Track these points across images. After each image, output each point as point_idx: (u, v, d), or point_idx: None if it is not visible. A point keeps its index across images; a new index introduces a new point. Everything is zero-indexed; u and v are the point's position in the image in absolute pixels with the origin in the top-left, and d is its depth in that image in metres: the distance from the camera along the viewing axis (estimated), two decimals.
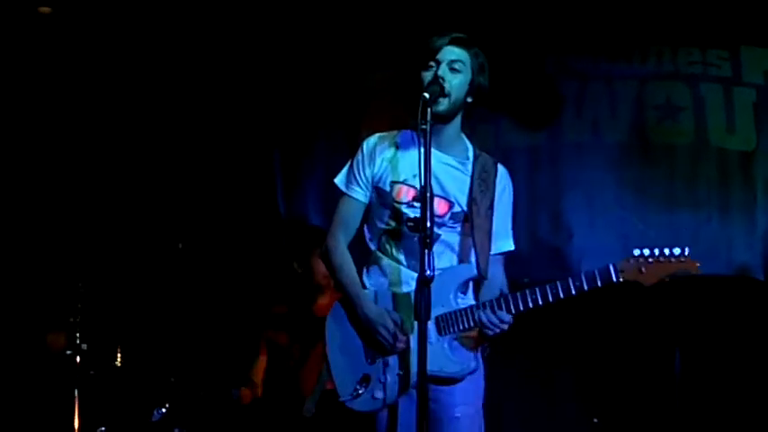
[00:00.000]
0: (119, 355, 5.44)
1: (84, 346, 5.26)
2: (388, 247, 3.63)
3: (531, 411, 6.11)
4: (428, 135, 3.27)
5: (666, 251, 3.38)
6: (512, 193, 3.77)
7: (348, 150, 6.17)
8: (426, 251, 3.18)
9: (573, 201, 6.06)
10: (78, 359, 5.24)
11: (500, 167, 3.73)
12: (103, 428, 5.22)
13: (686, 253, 3.37)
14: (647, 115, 6.05)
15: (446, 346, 3.51)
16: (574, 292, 3.41)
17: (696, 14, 5.91)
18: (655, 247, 3.39)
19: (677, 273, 3.38)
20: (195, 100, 6.27)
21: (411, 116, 3.49)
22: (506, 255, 3.75)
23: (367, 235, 3.71)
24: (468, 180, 3.63)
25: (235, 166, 6.31)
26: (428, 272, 3.18)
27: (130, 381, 5.53)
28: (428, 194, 3.24)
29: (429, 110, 3.30)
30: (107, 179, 6.31)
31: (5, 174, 6.22)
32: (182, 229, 6.11)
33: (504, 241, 3.72)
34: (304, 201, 6.29)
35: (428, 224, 3.21)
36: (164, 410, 5.20)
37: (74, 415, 5.18)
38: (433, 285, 3.35)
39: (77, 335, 5.26)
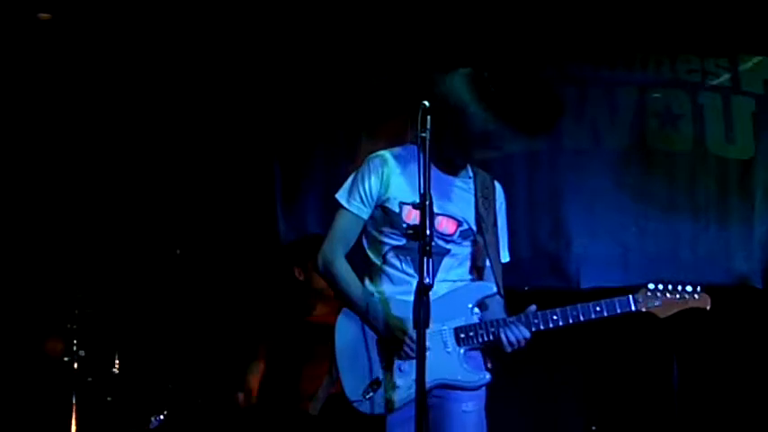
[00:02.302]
0: (116, 361, 5.44)
1: (82, 353, 5.25)
2: (395, 261, 3.68)
3: (528, 418, 6.11)
4: (427, 143, 3.28)
5: (680, 287, 3.66)
6: (506, 207, 3.90)
7: (348, 161, 6.21)
8: (426, 259, 3.20)
9: (572, 208, 6.05)
10: (76, 366, 5.23)
11: (496, 184, 3.85)
12: None
13: (698, 290, 3.66)
14: (646, 122, 6.06)
15: (462, 356, 3.64)
16: (593, 316, 3.62)
17: (696, 23, 5.92)
18: (669, 282, 3.66)
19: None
20: (195, 108, 6.26)
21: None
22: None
23: (368, 248, 3.76)
24: (472, 198, 3.74)
25: (234, 174, 6.31)
26: (427, 279, 3.20)
27: (128, 388, 5.52)
28: (427, 202, 3.26)
29: (428, 118, 3.32)
30: (105, 185, 6.30)
31: (3, 180, 6.21)
32: (180, 235, 6.10)
33: (503, 253, 3.84)
34: (303, 210, 6.26)
35: (428, 232, 3.22)
36: (162, 417, 5.20)
37: (71, 422, 5.17)
38: (453, 298, 3.64)
39: (75, 341, 5.25)
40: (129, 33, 6.12)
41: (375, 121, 6.06)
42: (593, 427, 5.92)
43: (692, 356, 5.77)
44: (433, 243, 3.50)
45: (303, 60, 6.23)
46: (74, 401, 5.18)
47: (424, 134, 3.28)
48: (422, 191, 3.27)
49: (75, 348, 5.24)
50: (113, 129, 6.29)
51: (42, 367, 5.70)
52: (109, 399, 5.42)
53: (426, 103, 3.35)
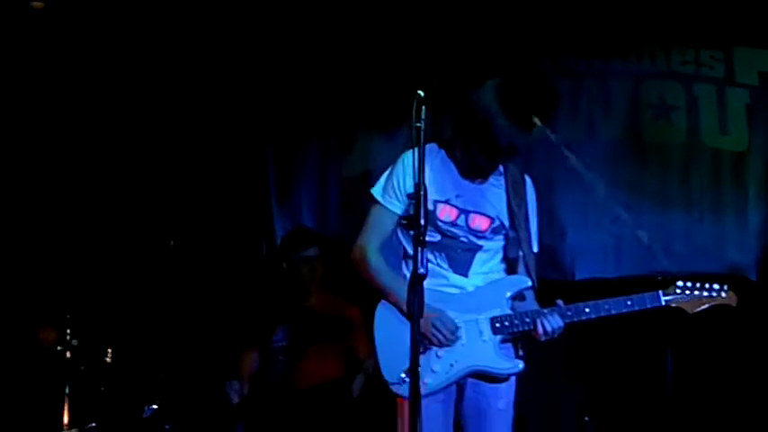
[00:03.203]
0: (109, 351, 5.44)
1: (75, 342, 5.26)
2: (430, 256, 3.75)
3: (521, 409, 6.09)
4: (422, 133, 3.31)
5: (707, 285, 3.83)
6: (536, 200, 4.02)
7: (342, 152, 6.21)
8: (421, 249, 3.24)
9: (566, 199, 6.06)
10: (69, 355, 5.23)
11: (527, 178, 3.98)
12: (94, 424, 5.21)
13: (726, 288, 3.84)
14: (641, 114, 6.05)
15: (498, 344, 3.79)
16: (624, 310, 3.79)
17: (690, 15, 5.91)
18: (697, 281, 3.82)
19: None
20: (188, 97, 6.25)
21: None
22: None
23: (404, 241, 3.88)
24: (504, 195, 3.88)
25: (227, 164, 6.30)
26: (422, 270, 3.25)
27: (121, 377, 5.53)
28: (422, 192, 3.29)
29: (423, 108, 3.32)
30: (98, 175, 6.29)
31: None
32: (173, 225, 6.09)
33: (533, 244, 3.98)
34: (297, 198, 6.28)
35: (421, 222, 3.27)
36: (154, 407, 5.20)
37: (64, 411, 5.16)
38: (490, 289, 3.82)
39: (68, 331, 5.25)
40: (121, 22, 6.10)
41: (369, 108, 6.06)
42: (586, 418, 5.92)
43: (686, 348, 5.78)
44: (466, 240, 3.80)
45: (298, 51, 6.22)
46: (67, 391, 5.19)
47: (418, 124, 3.31)
48: (416, 179, 3.29)
49: (68, 338, 5.23)
50: (106, 119, 6.28)
51: (35, 356, 5.70)
52: (102, 388, 5.43)
53: (421, 93, 3.36)
